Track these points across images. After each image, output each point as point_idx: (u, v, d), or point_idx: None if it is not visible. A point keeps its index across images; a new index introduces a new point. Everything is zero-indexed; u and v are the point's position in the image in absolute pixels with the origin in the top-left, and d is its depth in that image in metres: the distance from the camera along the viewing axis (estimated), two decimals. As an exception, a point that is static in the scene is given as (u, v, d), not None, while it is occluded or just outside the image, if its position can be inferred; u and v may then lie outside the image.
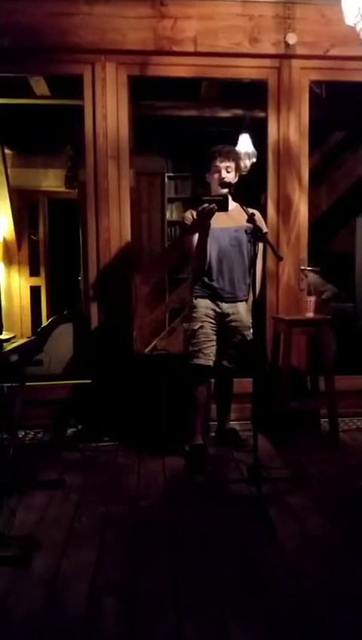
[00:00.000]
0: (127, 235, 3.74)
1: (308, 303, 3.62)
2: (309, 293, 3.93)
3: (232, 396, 3.47)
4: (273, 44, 3.67)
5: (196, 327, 3.16)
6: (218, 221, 3.00)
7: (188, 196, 6.81)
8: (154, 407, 3.38)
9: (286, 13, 3.64)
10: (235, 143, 5.21)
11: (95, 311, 3.77)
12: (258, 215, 3.10)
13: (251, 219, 2.77)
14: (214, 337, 3.18)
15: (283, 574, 2.03)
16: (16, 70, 3.86)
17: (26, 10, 3.50)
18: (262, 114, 4.17)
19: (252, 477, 2.66)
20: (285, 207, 3.84)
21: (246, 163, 5.21)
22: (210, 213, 2.91)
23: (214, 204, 2.88)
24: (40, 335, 4.40)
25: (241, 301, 3.21)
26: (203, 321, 3.16)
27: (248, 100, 4.88)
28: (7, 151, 6.10)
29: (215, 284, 3.16)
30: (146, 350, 5.16)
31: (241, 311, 3.20)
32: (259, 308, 3.41)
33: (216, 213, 2.92)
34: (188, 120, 5.54)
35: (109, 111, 3.65)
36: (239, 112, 5.33)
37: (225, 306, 3.18)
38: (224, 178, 3.10)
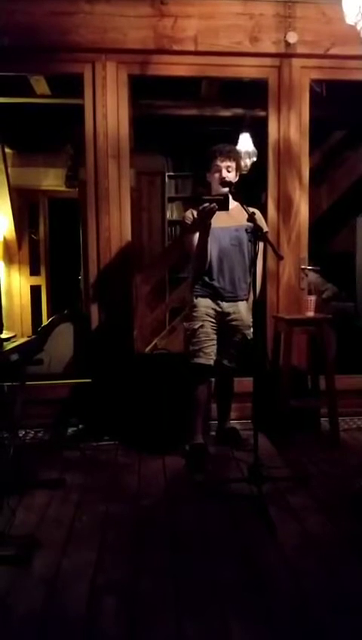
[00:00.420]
0: (128, 235, 3.74)
1: (308, 302, 3.62)
2: (309, 293, 3.92)
3: (233, 395, 3.47)
4: (273, 43, 3.67)
5: (196, 326, 3.16)
6: (218, 220, 3.00)
7: (189, 195, 6.81)
8: (154, 406, 3.38)
9: (286, 12, 3.64)
10: (236, 142, 5.20)
11: (95, 310, 3.77)
12: (258, 214, 3.10)
13: (251, 218, 2.77)
14: (215, 336, 3.18)
15: (284, 574, 2.03)
16: (17, 69, 3.85)
17: (27, 10, 3.50)
18: (262, 113, 4.16)
19: (252, 476, 2.66)
20: (285, 207, 3.83)
21: (247, 162, 5.21)
22: (210, 213, 2.91)
23: (215, 204, 2.88)
24: (40, 334, 4.40)
25: (242, 300, 3.21)
26: (203, 321, 3.16)
27: (248, 99, 4.87)
28: (7, 150, 6.09)
29: (215, 283, 3.16)
30: (147, 349, 5.16)
31: (242, 310, 3.20)
32: (259, 307, 3.41)
33: (217, 213, 2.92)
34: (189, 119, 5.54)
35: (110, 110, 3.65)
36: (239, 111, 5.32)
37: (226, 305, 3.18)
38: (225, 178, 3.10)
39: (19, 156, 6.38)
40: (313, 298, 3.65)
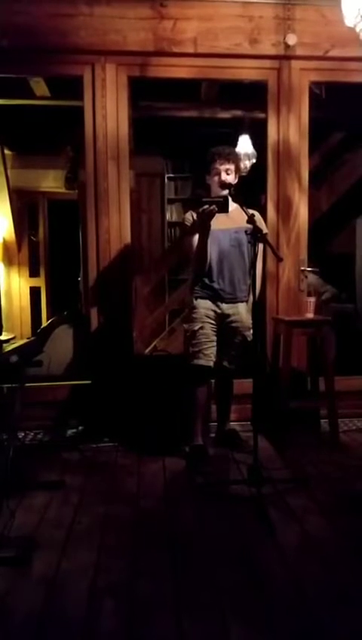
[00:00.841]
0: (127, 236, 3.74)
1: (308, 304, 3.62)
2: (309, 294, 3.93)
3: (232, 397, 3.47)
4: (273, 45, 3.68)
5: (196, 327, 3.16)
6: (218, 222, 3.01)
7: (188, 197, 6.81)
8: (154, 407, 3.38)
9: (286, 14, 3.65)
10: (235, 144, 5.21)
11: (95, 312, 3.77)
12: (258, 216, 3.10)
13: (251, 220, 2.78)
14: (214, 338, 3.19)
15: (283, 575, 2.03)
16: (17, 71, 3.86)
17: (27, 11, 3.51)
18: (261, 115, 4.17)
19: (252, 478, 2.66)
20: (285, 208, 3.84)
21: (246, 164, 5.21)
22: (210, 215, 2.91)
23: (214, 206, 2.89)
24: (40, 336, 4.40)
25: (241, 302, 3.22)
26: (203, 322, 3.16)
27: (248, 101, 4.88)
28: (7, 152, 6.10)
29: (215, 285, 3.16)
30: (146, 351, 5.16)
31: (242, 312, 3.20)
32: (259, 309, 3.42)
33: (216, 215, 2.93)
34: (188, 121, 5.55)
35: (109, 112, 3.66)
36: (239, 112, 5.33)
37: (226, 307, 3.18)
38: (224, 180, 3.10)
39: (18, 158, 6.38)
40: (312, 300, 3.66)
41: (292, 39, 3.65)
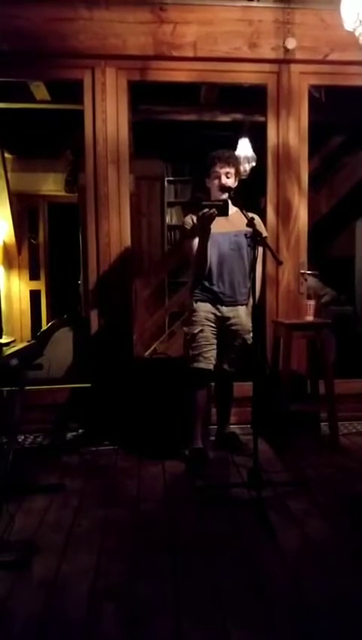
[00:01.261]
0: (127, 240, 3.75)
1: (307, 307, 3.63)
2: (309, 297, 3.93)
3: (232, 400, 3.47)
4: (272, 49, 3.69)
5: (196, 330, 3.17)
6: (218, 226, 3.01)
7: (188, 200, 6.82)
8: (154, 410, 3.38)
9: (285, 18, 3.66)
10: (235, 148, 5.22)
11: (95, 315, 3.77)
12: (257, 219, 3.10)
13: (251, 223, 2.78)
14: (214, 341, 3.19)
15: (284, 578, 2.03)
16: (17, 75, 3.87)
17: (27, 16, 3.52)
18: (261, 118, 4.17)
19: (252, 481, 2.66)
20: (285, 211, 3.84)
21: (246, 167, 5.22)
22: (210, 218, 2.92)
23: (214, 209, 2.89)
24: (40, 339, 4.39)
25: (241, 305, 3.22)
26: (203, 325, 3.17)
27: (247, 105, 4.89)
28: (7, 155, 6.11)
29: (215, 288, 3.17)
30: (146, 354, 5.16)
31: (241, 314, 3.21)
32: (258, 312, 3.42)
33: (216, 218, 2.93)
34: (188, 124, 5.56)
35: (109, 115, 3.67)
36: (239, 116, 5.34)
37: (226, 310, 3.18)
38: (224, 184, 3.10)
39: (19, 161, 6.39)
40: (312, 302, 3.66)
41: (291, 43, 3.66)
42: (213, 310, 3.18)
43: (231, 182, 3.14)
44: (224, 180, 3.13)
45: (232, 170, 3.15)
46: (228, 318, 3.19)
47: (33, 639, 1.71)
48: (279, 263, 3.28)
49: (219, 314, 3.18)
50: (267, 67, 3.75)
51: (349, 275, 5.80)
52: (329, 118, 5.04)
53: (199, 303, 3.20)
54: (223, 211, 2.91)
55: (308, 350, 3.83)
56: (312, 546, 2.27)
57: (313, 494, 2.74)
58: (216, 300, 3.18)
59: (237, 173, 3.22)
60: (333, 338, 3.94)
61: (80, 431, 3.71)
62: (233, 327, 3.20)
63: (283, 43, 3.67)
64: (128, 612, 1.83)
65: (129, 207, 3.75)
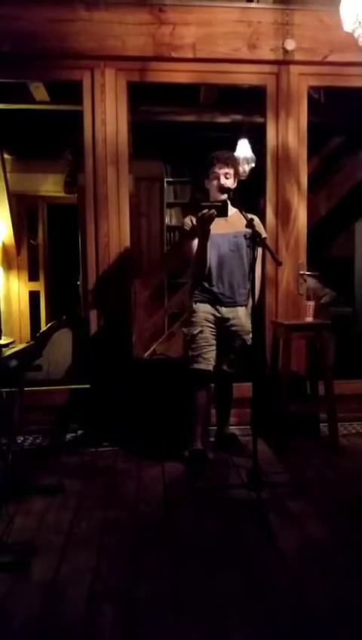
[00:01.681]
0: (126, 240, 3.75)
1: (307, 308, 3.63)
2: (308, 298, 3.93)
3: (232, 401, 3.47)
4: (272, 50, 3.69)
5: (196, 331, 3.17)
6: (217, 227, 3.01)
7: (187, 201, 6.83)
8: (153, 412, 3.38)
9: (284, 19, 3.66)
10: (234, 148, 5.22)
11: (94, 316, 3.77)
12: (257, 220, 3.10)
13: (250, 224, 2.78)
14: (214, 342, 3.19)
15: (284, 579, 2.02)
16: (16, 76, 3.87)
17: (26, 17, 3.52)
18: (260, 119, 4.18)
19: (251, 482, 2.65)
20: (284, 212, 3.84)
21: (245, 168, 5.23)
22: (209, 219, 2.92)
23: (214, 210, 2.89)
24: (39, 340, 4.40)
25: (241, 306, 3.22)
26: (203, 326, 3.16)
27: (247, 106, 4.90)
28: (6, 156, 6.11)
29: (215, 289, 3.17)
30: (145, 355, 5.16)
31: (241, 315, 3.21)
32: (258, 313, 3.42)
33: (216, 219, 2.93)
34: (187, 125, 5.56)
35: (108, 116, 3.67)
36: (238, 117, 5.34)
37: (225, 311, 3.18)
38: (223, 184, 3.11)
39: (18, 162, 6.40)
40: (312, 303, 3.66)
41: (290, 44, 3.66)
42: (213, 311, 3.18)
43: (230, 183, 3.15)
44: (223, 180, 3.13)
45: (231, 171, 3.15)
46: (228, 319, 3.19)
47: (32, 641, 1.71)
48: (278, 263, 3.27)
49: (218, 315, 3.18)
50: (266, 68, 3.75)
51: (348, 276, 5.81)
52: (328, 119, 5.05)
53: (198, 304, 3.20)
54: (222, 212, 2.91)
55: (307, 351, 3.83)
56: (312, 547, 2.27)
57: (313, 495, 2.74)
58: (215, 300, 3.18)
59: (237, 174, 3.22)
60: (333, 339, 3.95)
61: (79, 432, 3.71)
62: (232, 328, 3.20)
63: (283, 44, 3.67)
64: (128, 613, 1.83)
65: (128, 208, 3.75)
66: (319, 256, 4.95)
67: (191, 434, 3.23)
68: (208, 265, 3.14)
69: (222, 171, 3.13)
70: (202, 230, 3.00)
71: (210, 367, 3.18)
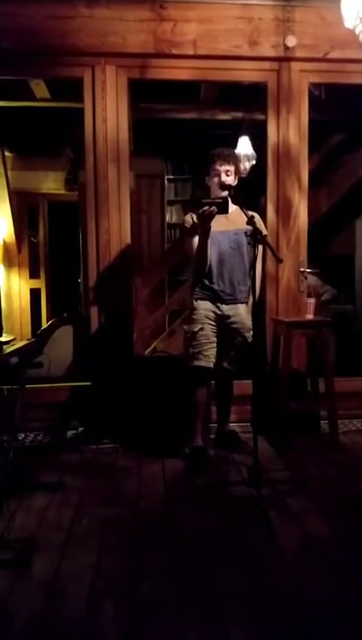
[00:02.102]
0: (127, 238, 3.75)
1: (307, 305, 3.63)
2: (309, 295, 3.93)
3: (232, 398, 3.47)
4: (272, 47, 3.68)
5: (196, 329, 3.17)
6: (218, 224, 3.01)
7: (188, 198, 6.82)
8: (154, 409, 3.38)
9: (285, 15, 3.65)
10: (235, 146, 5.21)
11: (95, 313, 3.77)
12: (257, 217, 3.10)
13: (251, 221, 2.78)
14: (214, 339, 3.19)
15: (284, 576, 2.03)
16: (17, 73, 3.86)
17: (27, 13, 3.51)
18: (261, 116, 4.17)
19: (252, 479, 2.66)
20: (285, 210, 3.84)
21: (246, 165, 5.22)
22: (210, 216, 2.92)
23: (214, 207, 2.89)
24: (40, 337, 4.40)
25: (241, 303, 3.22)
26: (203, 323, 3.17)
27: (248, 103, 4.89)
28: (7, 153, 6.11)
29: (215, 286, 3.17)
30: (146, 352, 5.17)
31: (242, 313, 3.21)
32: (258, 310, 3.42)
33: (216, 217, 2.93)
34: (188, 122, 5.56)
35: (109, 113, 3.66)
36: (239, 114, 5.33)
37: (226, 308, 3.18)
38: (224, 182, 3.11)
39: (19, 159, 6.39)
40: (312, 301, 3.66)
41: (291, 41, 3.66)
42: (213, 308, 3.18)
43: (230, 180, 3.14)
44: (224, 177, 3.12)
45: (232, 168, 3.15)
46: (228, 316, 3.19)
47: (33, 638, 1.72)
48: (279, 261, 3.28)
49: (219, 312, 3.18)
50: (267, 65, 3.74)
51: (349, 273, 5.80)
52: (329, 117, 5.04)
53: (199, 301, 3.20)
54: (223, 209, 2.91)
55: (307, 348, 3.83)
56: (312, 544, 2.28)
57: (313, 492, 2.74)
58: (216, 298, 3.18)
59: (237, 171, 3.22)
60: (333, 336, 3.95)
61: (80, 429, 3.71)
62: (233, 326, 3.20)
63: (284, 41, 3.66)
64: (128, 610, 1.83)
65: (129, 206, 3.75)
66: (320, 253, 4.95)
67: (192, 431, 3.24)
68: (209, 262, 3.14)
69: (222, 168, 3.13)
70: (203, 227, 3.00)
71: (211, 365, 3.18)
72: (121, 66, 3.65)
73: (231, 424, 3.57)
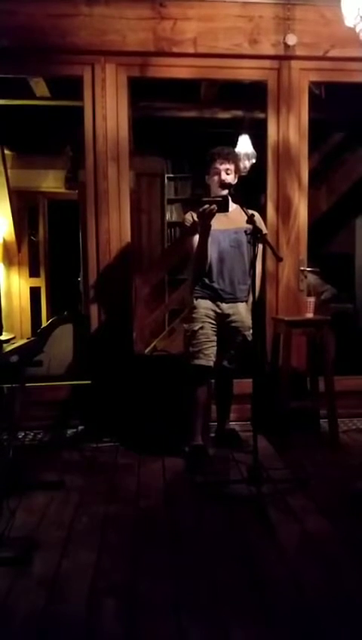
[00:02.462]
0: (127, 236, 3.75)
1: (307, 304, 3.62)
2: (309, 294, 3.93)
3: (232, 397, 3.48)
4: (273, 46, 3.68)
5: (196, 327, 3.17)
6: (218, 223, 3.01)
7: (188, 197, 6.82)
8: (154, 407, 3.38)
9: (285, 14, 3.65)
10: (235, 144, 5.21)
11: (95, 312, 3.77)
12: (257, 216, 3.10)
13: (251, 220, 2.78)
14: (214, 338, 3.19)
15: (284, 575, 2.03)
16: (16, 71, 3.85)
17: (27, 12, 3.51)
18: (261, 115, 4.17)
19: (252, 477, 2.66)
20: (285, 208, 3.84)
21: (246, 164, 5.21)
22: (210, 214, 2.92)
23: (214, 205, 2.89)
24: (40, 336, 4.39)
25: (241, 302, 3.22)
26: (203, 322, 3.17)
27: (248, 101, 4.88)
28: (7, 152, 6.10)
29: (215, 285, 3.17)
30: (146, 351, 5.16)
31: (241, 311, 3.21)
32: (258, 308, 3.42)
33: (216, 215, 2.93)
34: (188, 121, 5.55)
35: (109, 112, 3.66)
36: (239, 113, 5.33)
37: (226, 307, 3.18)
38: (224, 180, 3.10)
39: (18, 158, 6.38)
40: (312, 299, 3.66)
41: (292, 39, 3.65)
42: (213, 307, 3.18)
43: (231, 178, 3.14)
44: (224, 176, 3.12)
45: (232, 167, 3.15)
46: (228, 315, 3.19)
47: (33, 636, 1.72)
48: (279, 259, 3.29)
49: (219, 311, 3.18)
50: (267, 63, 3.74)
51: (349, 272, 5.81)
52: (329, 115, 5.04)
53: (199, 300, 3.20)
54: (223, 207, 2.90)
55: (307, 347, 3.83)
56: (312, 543, 2.28)
57: (313, 491, 2.74)
58: (216, 296, 3.18)
59: (237, 169, 3.22)
60: (333, 335, 3.95)
61: (80, 428, 3.72)
62: (233, 324, 3.20)
63: (284, 39, 3.66)
64: (128, 609, 1.84)
65: (129, 204, 3.74)
66: (320, 252, 4.95)
67: (192, 429, 3.24)
68: (209, 261, 3.14)
69: (222, 167, 3.13)
70: (203, 226, 3.00)
71: (211, 363, 3.18)
72: (121, 65, 3.64)
73: (231, 423, 3.57)
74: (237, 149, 5.00)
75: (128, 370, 3.54)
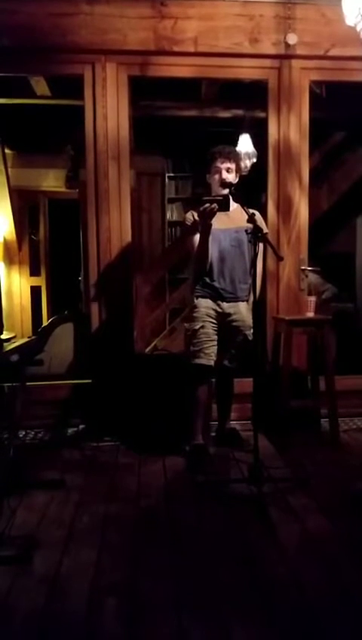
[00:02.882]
0: (128, 235, 3.74)
1: (308, 303, 3.62)
2: (309, 293, 3.93)
3: (233, 396, 3.47)
4: (273, 45, 3.67)
5: (197, 326, 3.17)
6: (219, 222, 3.01)
7: (189, 196, 6.82)
8: (155, 407, 3.39)
9: (286, 13, 3.64)
10: (236, 143, 5.21)
11: (95, 311, 3.77)
12: (258, 215, 3.10)
13: (251, 219, 2.78)
14: (215, 337, 3.19)
15: (284, 574, 2.03)
16: (17, 70, 3.85)
17: (27, 10, 3.51)
18: (262, 114, 4.17)
19: (252, 477, 2.66)
20: (285, 208, 3.84)
21: (247, 163, 5.21)
22: (211, 213, 2.91)
23: (215, 204, 2.89)
24: (40, 335, 4.40)
25: (242, 301, 3.22)
26: (204, 321, 3.17)
27: (248, 100, 4.88)
28: (7, 151, 6.09)
29: (216, 284, 3.17)
30: (147, 350, 5.16)
31: (242, 311, 3.21)
32: (259, 308, 3.42)
33: (217, 215, 2.93)
34: (189, 120, 5.55)
35: (110, 111, 3.66)
36: (239, 112, 5.33)
37: (226, 306, 3.18)
38: (224, 179, 3.10)
39: (19, 157, 6.38)
40: (313, 299, 3.66)
41: (292, 38, 3.65)
42: (214, 306, 3.18)
43: (231, 177, 3.14)
44: (224, 175, 3.12)
45: (233, 166, 3.15)
46: (229, 314, 3.19)
47: (34, 635, 1.72)
48: (280, 259, 3.29)
49: (219, 310, 3.18)
50: (268, 63, 3.74)
51: (350, 271, 5.80)
52: (330, 114, 5.03)
53: (200, 299, 3.20)
54: (224, 206, 2.90)
55: (308, 346, 3.83)
56: (312, 542, 2.28)
57: (313, 490, 2.74)
58: (216, 296, 3.18)
59: (238, 168, 3.21)
60: (334, 334, 3.95)
61: (81, 427, 3.72)
62: (234, 324, 3.20)
63: (284, 38, 3.65)
64: (129, 608, 1.84)
65: (129, 203, 3.74)
66: (320, 251, 4.95)
67: (192, 429, 3.24)
68: (209, 260, 3.13)
69: (223, 166, 3.12)
70: (204, 225, 3.00)
71: (211, 363, 3.18)
72: (121, 64, 3.64)
73: (231, 422, 3.57)
74: (237, 148, 5.00)
75: (129, 370, 3.54)
